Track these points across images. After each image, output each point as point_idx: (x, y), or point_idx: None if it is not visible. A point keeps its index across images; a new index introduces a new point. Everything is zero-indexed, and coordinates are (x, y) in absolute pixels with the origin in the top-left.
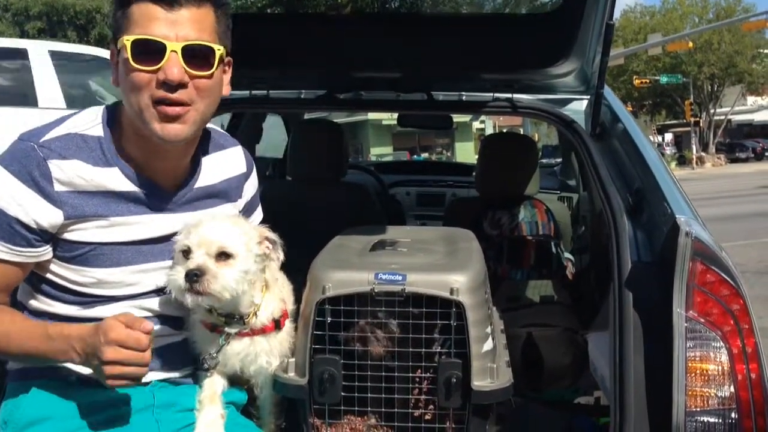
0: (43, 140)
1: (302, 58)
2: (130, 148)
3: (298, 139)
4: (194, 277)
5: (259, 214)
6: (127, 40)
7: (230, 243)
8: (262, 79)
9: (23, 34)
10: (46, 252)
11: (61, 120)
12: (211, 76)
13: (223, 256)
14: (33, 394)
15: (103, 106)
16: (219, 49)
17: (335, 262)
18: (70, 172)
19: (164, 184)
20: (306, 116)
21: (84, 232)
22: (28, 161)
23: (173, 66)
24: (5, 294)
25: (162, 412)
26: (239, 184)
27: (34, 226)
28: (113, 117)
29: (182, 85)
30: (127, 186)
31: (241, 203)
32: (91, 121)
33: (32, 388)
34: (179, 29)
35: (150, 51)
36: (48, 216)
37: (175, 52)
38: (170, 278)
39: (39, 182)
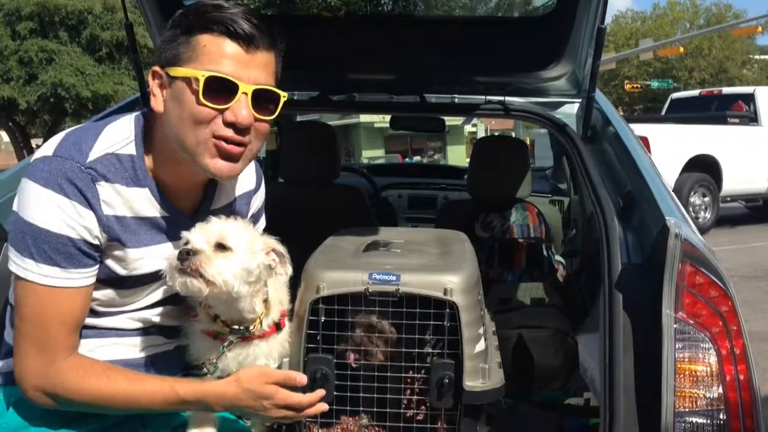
0: (88, 161)
1: (295, 60)
2: (160, 169)
3: (290, 140)
4: (185, 254)
5: (262, 222)
6: (202, 75)
7: (230, 236)
8: None
9: (14, 35)
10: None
11: (95, 134)
12: (271, 121)
13: (222, 247)
14: (21, 400)
15: (133, 117)
16: (284, 96)
17: (329, 262)
18: (112, 196)
19: (184, 207)
20: (298, 118)
21: (111, 261)
22: (79, 183)
23: (243, 108)
24: (78, 330)
25: (149, 416)
26: (249, 200)
27: (97, 243)
28: (144, 132)
29: (247, 128)
30: (153, 211)
31: (247, 217)
32: (124, 139)
33: (21, 393)
34: (252, 72)
35: (221, 89)
36: (101, 237)
37: (246, 94)
38: (166, 262)
39: (93, 203)
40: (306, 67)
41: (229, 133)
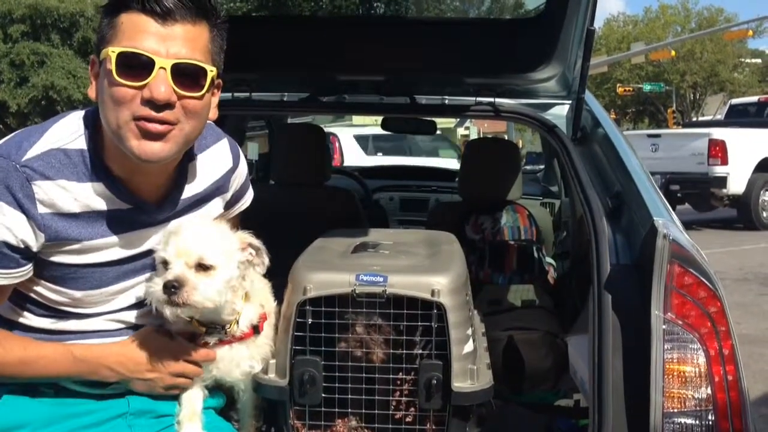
0: (25, 159)
1: (285, 61)
2: (112, 162)
3: (281, 142)
4: (173, 288)
5: (249, 195)
6: (112, 51)
7: (210, 253)
8: (244, 81)
9: (6, 38)
10: (30, 269)
11: (41, 132)
12: (201, 98)
13: (203, 266)
14: (7, 402)
15: (82, 113)
16: (211, 71)
17: (316, 264)
18: (53, 194)
19: (148, 197)
20: (289, 120)
21: (65, 255)
22: (11, 181)
23: (160, 84)
24: None
25: (136, 419)
26: (226, 180)
27: (22, 246)
28: (94, 126)
29: (169, 105)
30: (111, 203)
31: (228, 195)
32: (72, 133)
33: (5, 395)
34: (170, 45)
35: (137, 65)
36: (33, 237)
37: (164, 69)
38: (149, 290)
39: (23, 203)
40: (296, 69)
41: (146, 110)
